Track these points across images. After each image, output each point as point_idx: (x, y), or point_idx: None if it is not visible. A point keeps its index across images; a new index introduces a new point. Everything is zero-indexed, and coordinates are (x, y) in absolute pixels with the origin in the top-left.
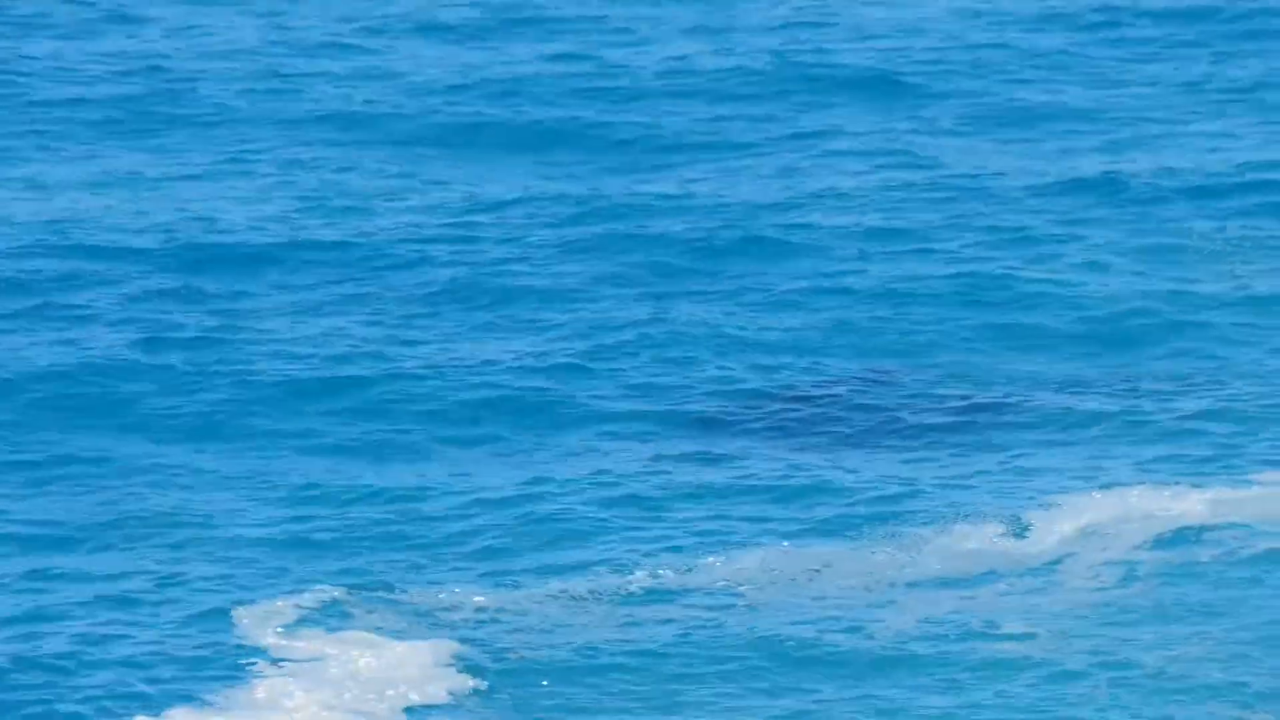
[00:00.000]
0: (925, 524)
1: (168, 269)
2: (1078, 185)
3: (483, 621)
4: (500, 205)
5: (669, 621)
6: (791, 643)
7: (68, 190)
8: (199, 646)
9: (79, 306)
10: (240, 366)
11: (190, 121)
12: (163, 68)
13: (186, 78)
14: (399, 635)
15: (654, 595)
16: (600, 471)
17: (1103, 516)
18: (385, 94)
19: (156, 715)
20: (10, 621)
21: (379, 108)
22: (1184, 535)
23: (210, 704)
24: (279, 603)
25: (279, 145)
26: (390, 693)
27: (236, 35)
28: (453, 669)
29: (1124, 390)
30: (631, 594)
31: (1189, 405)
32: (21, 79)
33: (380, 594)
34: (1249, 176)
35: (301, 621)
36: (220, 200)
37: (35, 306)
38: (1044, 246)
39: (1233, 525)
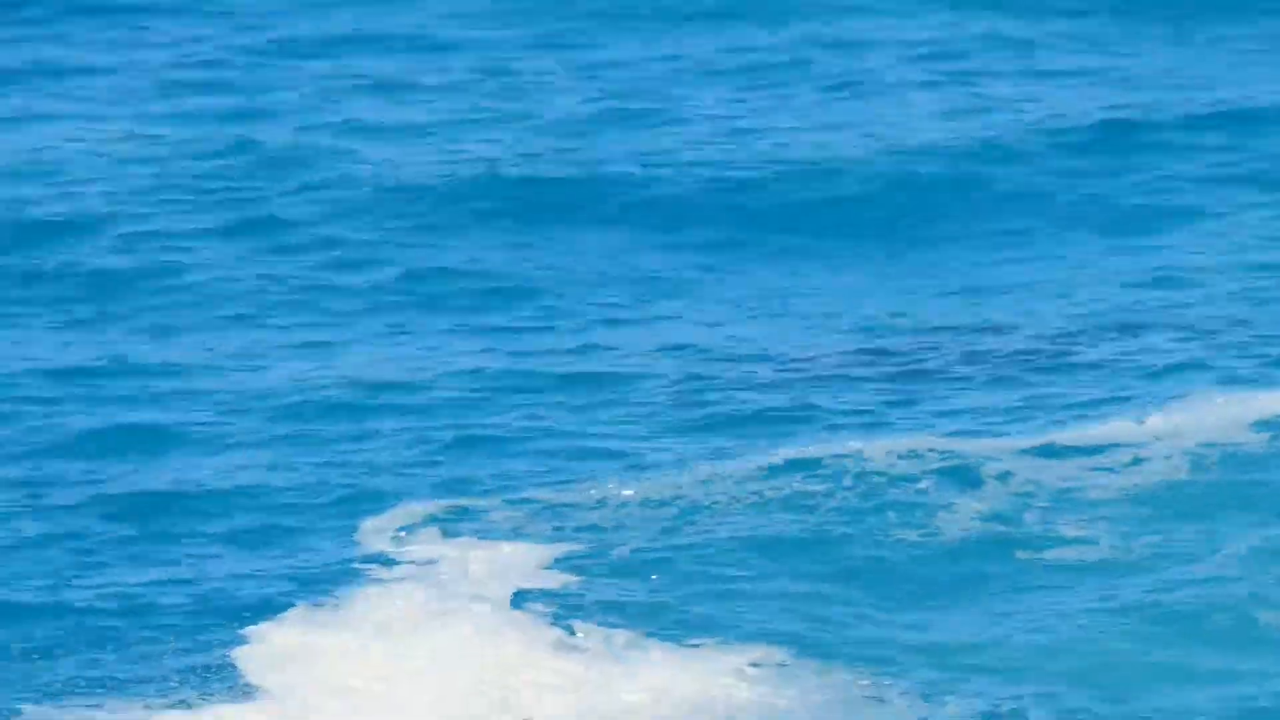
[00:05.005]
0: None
1: None
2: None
3: (606, 515)
4: None
5: (783, 517)
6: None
7: None
8: (311, 556)
9: None
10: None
11: None
12: None
13: None
14: (512, 536)
15: (767, 495)
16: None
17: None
18: None
19: (271, 619)
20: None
21: None
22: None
23: (324, 606)
24: (388, 512)
25: None
26: (495, 585)
27: None
28: (561, 566)
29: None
30: (749, 491)
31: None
32: None
33: (489, 501)
34: None
35: (412, 528)
36: None
37: None
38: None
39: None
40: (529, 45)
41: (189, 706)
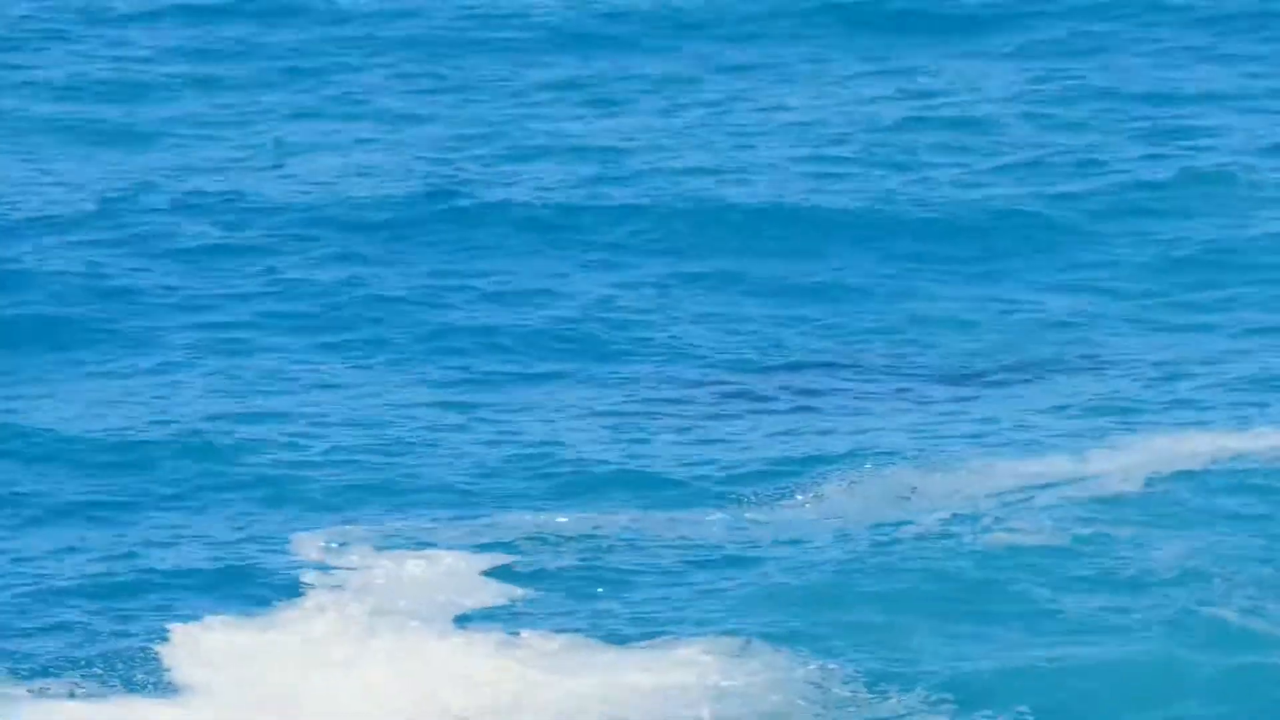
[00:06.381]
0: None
1: None
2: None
3: (542, 539)
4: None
5: (734, 539)
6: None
7: None
8: (252, 562)
9: None
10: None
11: None
12: None
13: None
14: (451, 549)
15: (720, 519)
16: (641, 414)
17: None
18: None
19: (200, 620)
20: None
21: None
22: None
23: (256, 614)
24: (329, 526)
25: None
26: (440, 599)
27: None
28: (498, 577)
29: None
30: (699, 520)
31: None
32: None
33: (431, 519)
34: None
35: (351, 541)
36: None
37: None
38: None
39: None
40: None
41: (113, 697)
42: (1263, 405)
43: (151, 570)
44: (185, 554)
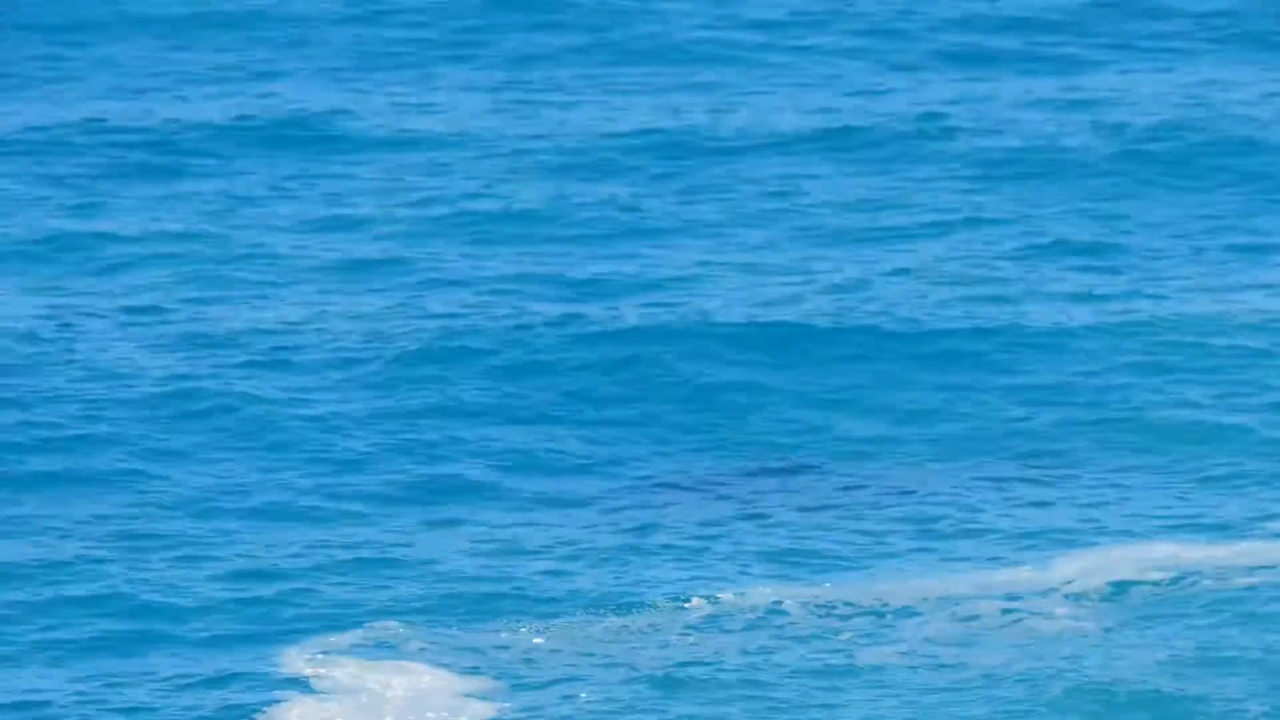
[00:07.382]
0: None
1: None
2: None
3: (520, 652)
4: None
5: (709, 646)
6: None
7: None
8: (233, 674)
9: None
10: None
11: None
12: None
13: None
14: (432, 664)
15: (691, 623)
16: (615, 515)
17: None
18: None
19: None
20: (50, 640)
21: None
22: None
23: None
24: (312, 637)
25: None
26: (430, 716)
27: None
28: (489, 695)
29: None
30: (670, 623)
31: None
32: None
33: (411, 630)
34: None
35: (334, 653)
36: None
37: None
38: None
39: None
40: None
41: None
42: (1225, 509)
43: (130, 684)
44: (163, 668)
